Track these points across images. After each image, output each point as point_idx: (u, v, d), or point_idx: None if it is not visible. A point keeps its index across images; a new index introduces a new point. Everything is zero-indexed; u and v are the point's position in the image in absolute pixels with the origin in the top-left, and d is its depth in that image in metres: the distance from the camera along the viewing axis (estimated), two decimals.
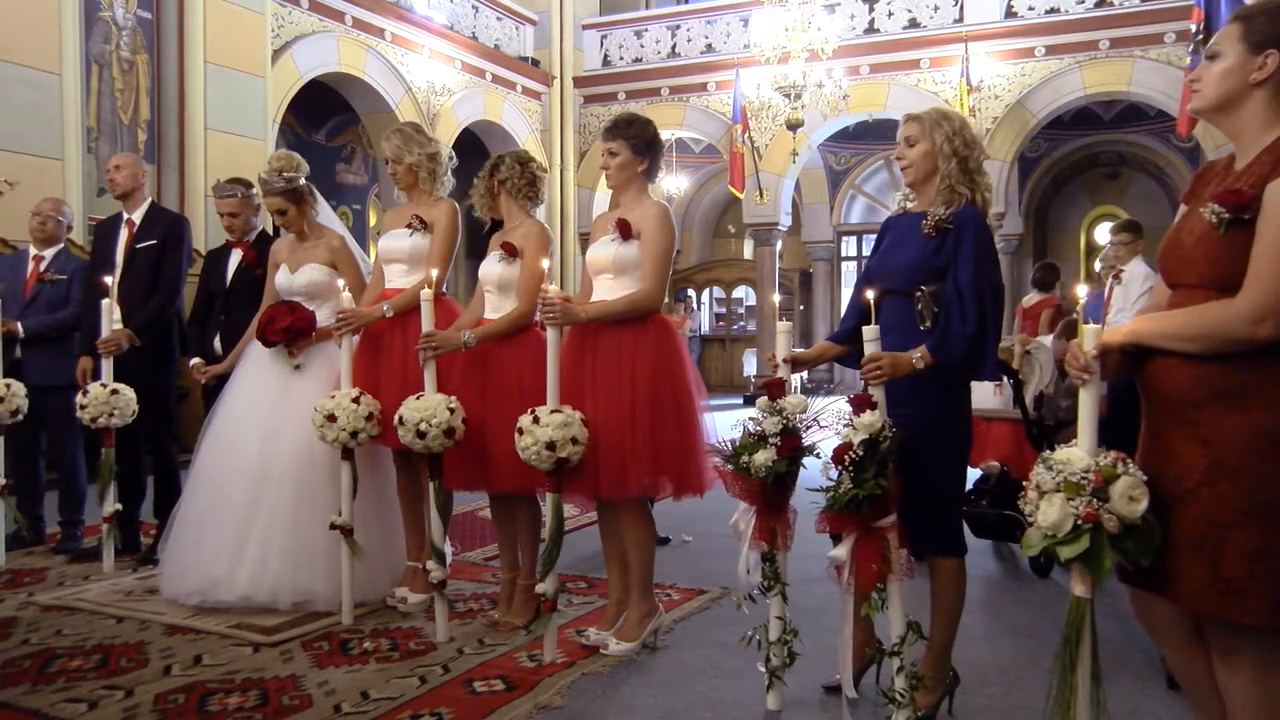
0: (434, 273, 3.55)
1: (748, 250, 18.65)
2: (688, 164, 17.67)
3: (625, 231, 3.34)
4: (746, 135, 13.58)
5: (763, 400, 2.90)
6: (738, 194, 13.97)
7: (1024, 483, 2.02)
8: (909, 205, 2.91)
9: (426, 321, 3.46)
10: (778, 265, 15.09)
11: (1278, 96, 1.92)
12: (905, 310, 2.80)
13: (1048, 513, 1.96)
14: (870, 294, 2.71)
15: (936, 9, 13.33)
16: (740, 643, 3.01)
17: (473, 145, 14.27)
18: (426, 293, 3.45)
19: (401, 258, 3.92)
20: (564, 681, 3.13)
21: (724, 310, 19.19)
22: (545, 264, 3.20)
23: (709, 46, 14.82)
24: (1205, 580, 1.91)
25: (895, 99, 13.28)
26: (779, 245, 15.02)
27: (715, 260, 19.53)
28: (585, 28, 15.59)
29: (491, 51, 14.16)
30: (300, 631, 3.61)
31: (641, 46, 15.28)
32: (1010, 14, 12.89)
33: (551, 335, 3.19)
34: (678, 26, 15.10)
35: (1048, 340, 5.67)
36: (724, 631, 3.58)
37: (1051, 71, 12.61)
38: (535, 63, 15.02)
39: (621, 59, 15.40)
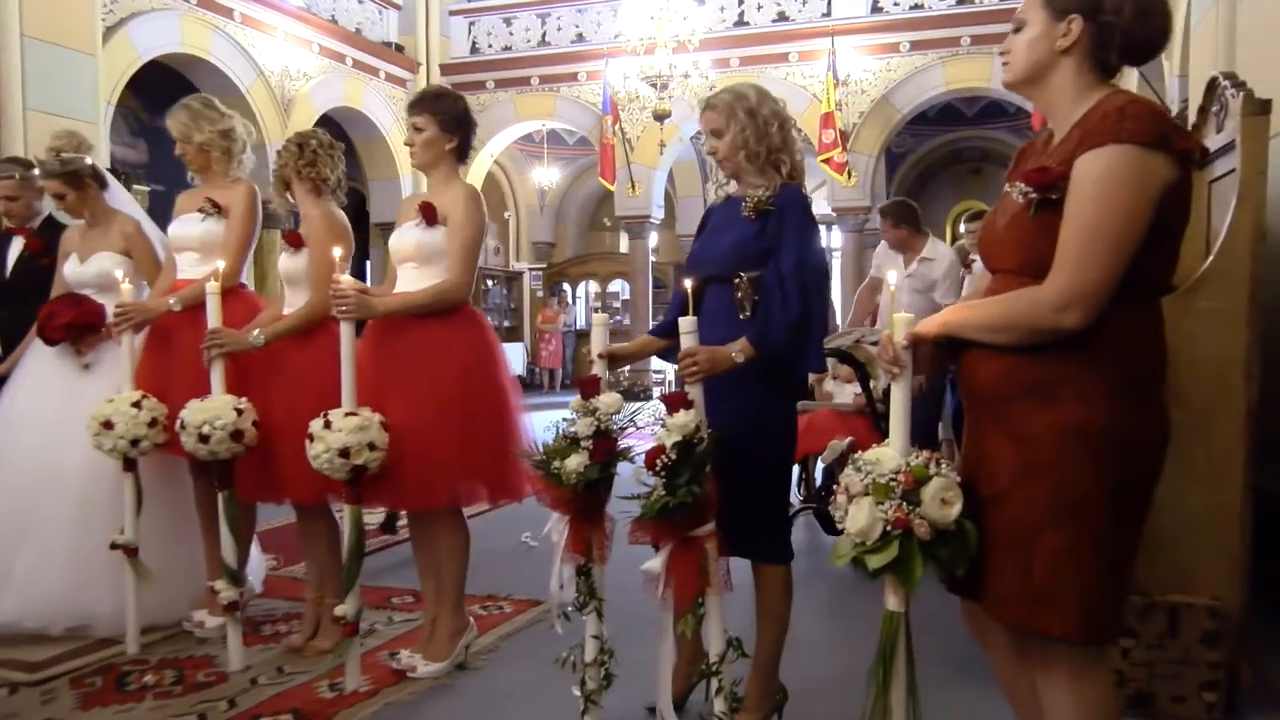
0: (220, 264, 3.17)
1: (624, 244, 18.48)
2: (561, 156, 17.38)
3: (430, 216, 3.05)
4: (617, 127, 13.37)
5: (576, 400, 2.64)
6: (609, 186, 13.74)
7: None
8: (729, 190, 2.70)
9: (212, 318, 3.10)
10: (651, 259, 14.93)
11: (1086, 64, 1.76)
12: (728, 299, 2.59)
13: (856, 518, 1.76)
14: (688, 283, 2.49)
15: (805, 3, 13.36)
16: (555, 663, 2.76)
17: (335, 133, 13.61)
18: (213, 285, 3.09)
19: (193, 245, 3.54)
20: (365, 713, 2.83)
21: (599, 304, 18.96)
22: (337, 252, 2.88)
23: (580, 35, 14.55)
24: (1016, 589, 1.76)
25: None
26: (653, 238, 14.86)
27: (591, 254, 19.28)
28: (453, 14, 15.11)
29: (352, 35, 13.58)
30: (73, 666, 3.20)
31: (511, 34, 14.91)
32: (876, 9, 13.02)
33: (345, 330, 2.87)
34: (548, 14, 14.77)
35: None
36: (557, 646, 3.31)
37: (915, 67, 12.78)
38: (400, 48, 14.48)
39: (490, 46, 14.99)
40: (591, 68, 13.91)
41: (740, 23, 13.61)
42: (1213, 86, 3.08)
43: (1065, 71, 1.78)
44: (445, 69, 14.90)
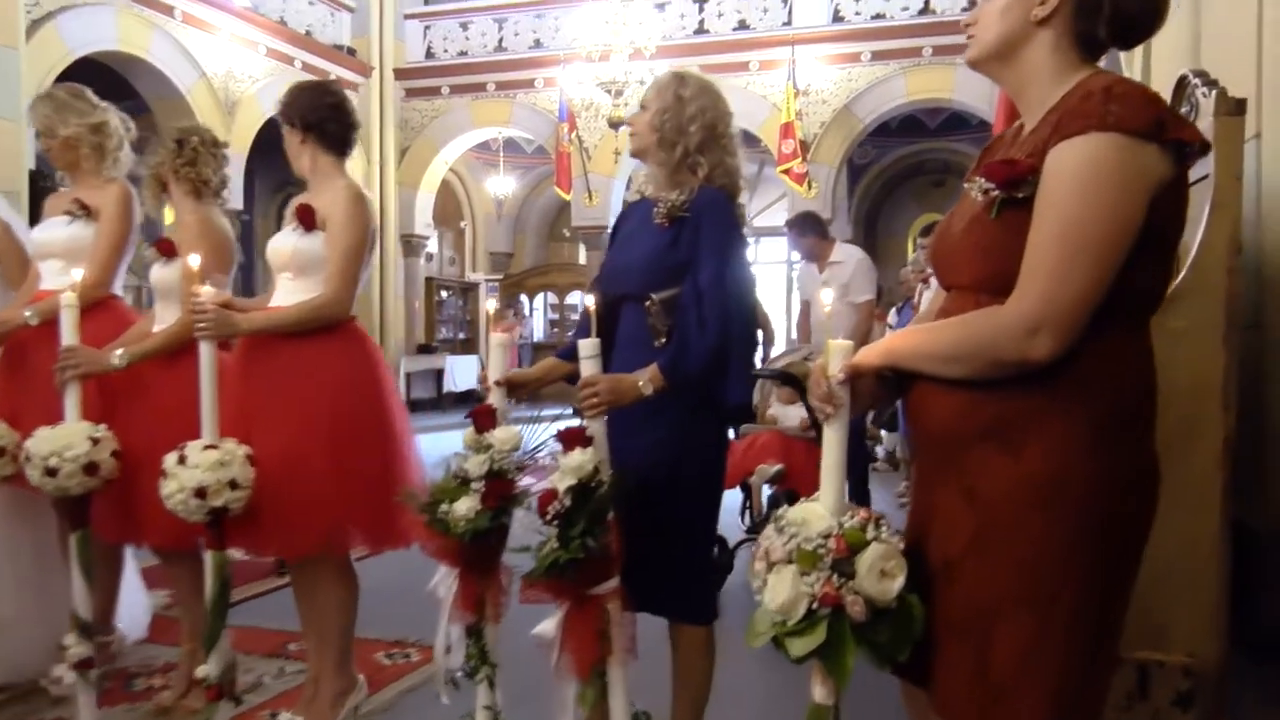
0: (76, 273, 2.78)
1: (582, 255, 18.13)
2: (520, 164, 17.02)
3: (307, 220, 2.67)
4: (574, 135, 13.04)
5: (468, 433, 2.30)
6: (565, 195, 13.41)
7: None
8: (646, 190, 2.37)
9: (67, 334, 2.71)
10: None
11: (1066, 39, 1.45)
12: (643, 320, 2.25)
13: (776, 591, 1.42)
14: (589, 300, 2.16)
15: (766, 11, 13.13)
16: None
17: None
18: (69, 297, 2.70)
19: (57, 252, 3.14)
20: None
21: (557, 317, 18.58)
22: (194, 260, 2.51)
23: (537, 41, 14.20)
24: (970, 683, 1.43)
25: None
26: None
27: (549, 264, 18.91)
28: (408, 17, 14.72)
29: (302, 38, 13.15)
30: None
31: (467, 39, 14.53)
32: (837, 19, 12.79)
33: (205, 351, 2.50)
34: (505, 20, 14.41)
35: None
36: (463, 700, 2.96)
37: (877, 77, 12.56)
38: (352, 52, 14.07)
39: (446, 51, 14.61)
40: (549, 74, 13.57)
41: (700, 30, 13.35)
42: (1182, 85, 2.80)
43: (1041, 46, 1.46)
44: (399, 73, 14.52)
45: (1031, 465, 1.38)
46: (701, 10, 13.38)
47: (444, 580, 2.31)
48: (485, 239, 18.07)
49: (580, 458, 1.99)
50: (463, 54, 14.51)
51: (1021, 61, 1.48)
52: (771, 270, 15.58)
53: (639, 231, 2.31)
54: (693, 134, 2.25)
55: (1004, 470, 1.40)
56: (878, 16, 12.61)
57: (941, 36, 12.12)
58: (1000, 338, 1.36)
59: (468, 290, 17.71)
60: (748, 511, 4.76)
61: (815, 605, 1.38)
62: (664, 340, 2.17)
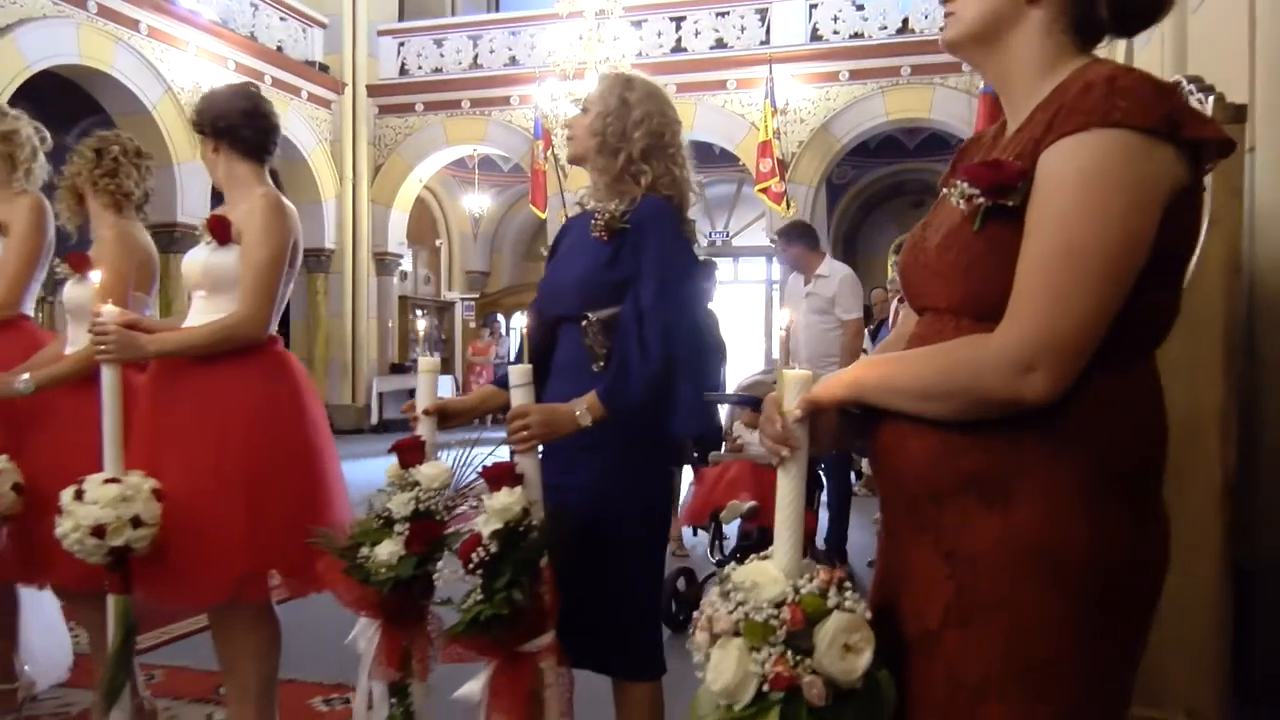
0: None
1: None
2: (496, 182, 16.81)
3: (220, 233, 2.44)
4: (549, 152, 12.84)
5: (392, 468, 2.08)
6: (540, 214, 13.19)
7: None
8: (586, 202, 2.16)
9: None
10: None
11: (1060, 21, 1.23)
12: (582, 343, 2.03)
13: (721, 669, 1.19)
14: (523, 322, 1.94)
15: (744, 30, 13.03)
16: None
17: None
18: None
19: None
20: None
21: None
22: (95, 276, 2.28)
23: (512, 59, 14.04)
24: None
25: (702, 119, 12.87)
26: None
27: (527, 284, 18.65)
28: (381, 34, 14.53)
29: (272, 53, 12.94)
30: None
31: (441, 56, 14.35)
32: (815, 37, 12.70)
33: (108, 376, 2.28)
34: (480, 36, 14.25)
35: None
36: None
37: (855, 96, 12.46)
38: (324, 68, 13.87)
39: (420, 68, 14.42)
40: (524, 91, 13.38)
41: (678, 49, 13.23)
42: None
43: (1031, 29, 1.24)
44: (372, 90, 14.32)
45: (1022, 523, 1.16)
46: (679, 29, 13.26)
47: (364, 632, 2.08)
48: (461, 258, 17.84)
49: (507, 499, 1.77)
50: (437, 70, 14.33)
51: (1008, 46, 1.26)
52: (750, 290, 15.40)
53: (576, 247, 2.10)
54: (636, 140, 2.05)
55: (989, 529, 1.18)
56: (856, 35, 12.53)
57: (920, 56, 12.04)
58: (987, 373, 1.14)
59: (443, 309, 17.45)
60: (718, 543, 4.53)
61: (766, 687, 1.16)
62: (603, 364, 1.95)
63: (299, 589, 2.43)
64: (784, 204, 11.94)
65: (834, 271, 5.28)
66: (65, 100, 10.80)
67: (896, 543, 1.31)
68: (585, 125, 2.09)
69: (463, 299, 17.59)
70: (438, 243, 17.33)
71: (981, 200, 1.17)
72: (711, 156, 14.23)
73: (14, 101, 9.49)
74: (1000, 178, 1.16)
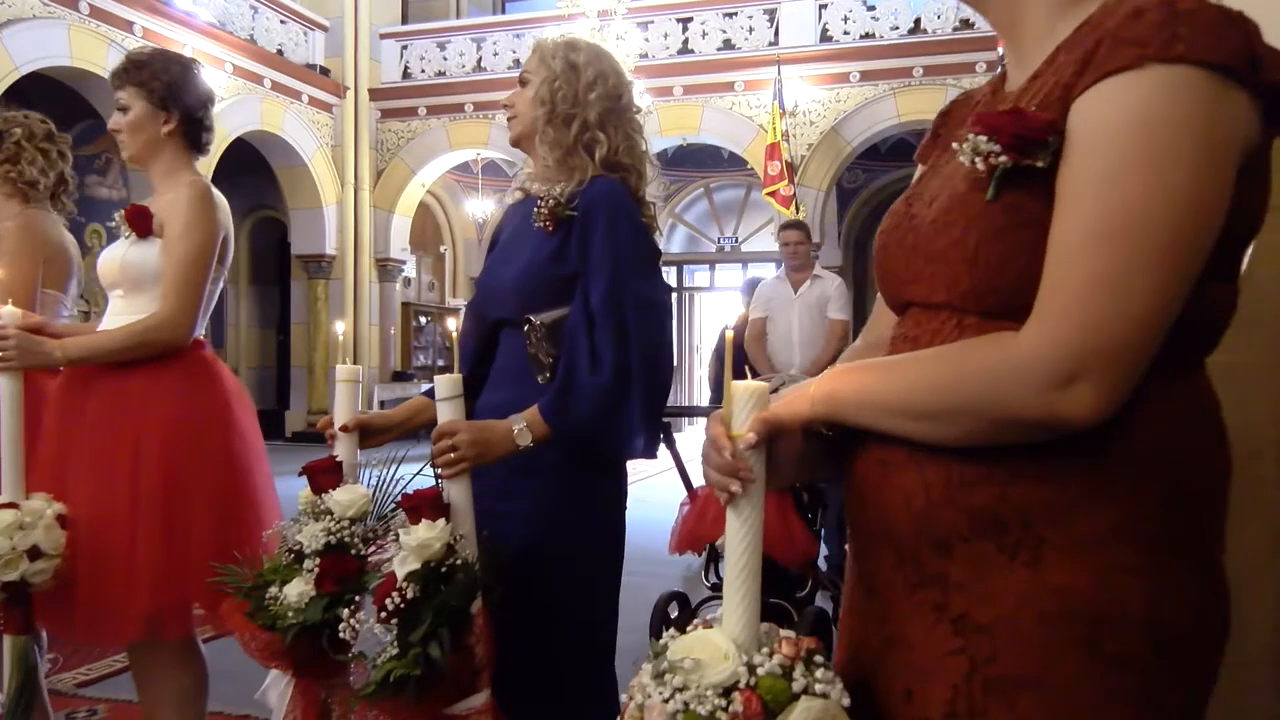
0: None
1: None
2: (500, 187, 16.52)
3: (139, 225, 2.16)
4: None
5: (304, 493, 1.79)
6: None
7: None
8: (531, 185, 1.86)
9: None
10: None
11: None
12: (523, 350, 1.75)
13: None
14: (453, 326, 1.65)
15: (751, 31, 12.75)
16: None
17: (251, 159, 12.83)
18: None
19: None
20: None
21: None
22: None
23: (516, 61, 13.75)
24: None
25: (709, 121, 12.63)
26: None
27: None
28: (383, 36, 14.32)
29: (272, 56, 12.73)
30: None
31: (445, 59, 14.13)
32: (825, 38, 12.42)
33: (6, 386, 2.02)
34: (483, 39, 14.03)
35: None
36: None
37: (866, 98, 12.16)
38: (325, 71, 13.66)
39: (423, 71, 14.20)
40: None
41: (685, 50, 12.97)
42: None
43: None
44: (374, 93, 14.11)
45: (1057, 579, 0.88)
46: (685, 29, 13.00)
47: (275, 685, 1.79)
48: (465, 263, 17.60)
49: (427, 533, 1.48)
50: (440, 74, 14.11)
51: None
52: None
53: (517, 239, 1.82)
54: (592, 103, 1.77)
55: (1012, 587, 0.89)
56: (866, 36, 12.24)
57: (933, 56, 11.75)
58: (1012, 384, 0.86)
59: (447, 316, 17.22)
60: (713, 566, 4.23)
61: None
62: (549, 375, 1.66)
63: (221, 625, 2.14)
64: (793, 208, 11.64)
65: (829, 276, 5.46)
66: (56, 103, 10.61)
67: (880, 604, 1.01)
68: (529, 97, 1.81)
69: (467, 305, 17.34)
70: (442, 249, 17.10)
71: (1003, 159, 0.88)
72: (719, 160, 13.95)
73: (1, 105, 9.34)
74: (1027, 129, 0.88)
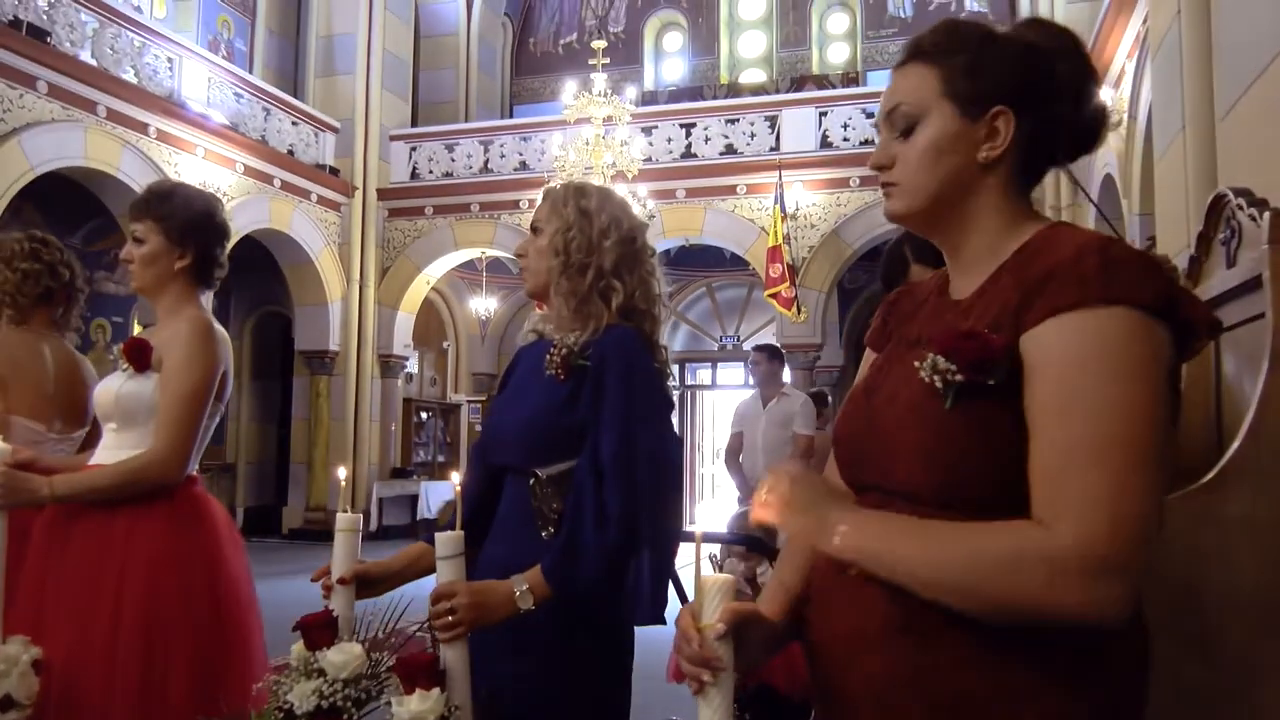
0: None
1: None
2: (504, 284, 16.70)
3: (138, 360, 2.14)
4: None
5: (297, 648, 1.72)
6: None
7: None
8: (544, 327, 1.84)
9: None
10: None
11: (1015, 182, 1.16)
12: (529, 501, 1.70)
13: None
14: (456, 480, 1.61)
15: (754, 136, 13.01)
16: None
17: (259, 256, 12.97)
18: None
19: None
20: None
21: None
22: None
23: (523, 164, 14.06)
24: None
25: (712, 224, 12.80)
26: None
27: None
28: (393, 139, 14.61)
29: (282, 156, 12.96)
30: None
31: (453, 160, 14.39)
32: (825, 144, 12.67)
33: None
34: (491, 141, 14.31)
35: None
36: None
37: (866, 202, 12.32)
38: (335, 171, 13.90)
39: (431, 172, 14.45)
40: (533, 195, 13.35)
41: (688, 154, 13.22)
42: (1218, 207, 2.30)
43: (990, 193, 1.15)
44: (383, 193, 14.33)
45: None
46: (689, 135, 13.27)
47: None
48: (468, 360, 17.64)
49: (419, 705, 1.41)
50: (448, 174, 14.35)
51: (965, 214, 1.16)
52: None
53: (528, 383, 1.78)
54: (607, 250, 1.74)
55: None
56: (866, 143, 12.45)
57: None
58: (1047, 576, 0.94)
59: (449, 411, 17.17)
60: None
61: None
62: (553, 531, 1.61)
63: None
64: (794, 309, 11.71)
65: (796, 394, 6.01)
66: (68, 200, 10.78)
67: None
68: (541, 247, 1.79)
69: (469, 401, 17.33)
70: (445, 345, 17.17)
71: (958, 377, 1.04)
72: (722, 260, 14.09)
73: (17, 203, 9.47)
74: (984, 354, 1.04)
